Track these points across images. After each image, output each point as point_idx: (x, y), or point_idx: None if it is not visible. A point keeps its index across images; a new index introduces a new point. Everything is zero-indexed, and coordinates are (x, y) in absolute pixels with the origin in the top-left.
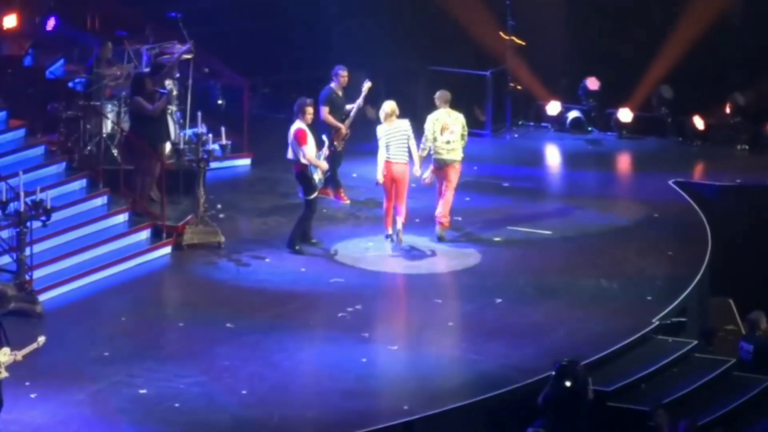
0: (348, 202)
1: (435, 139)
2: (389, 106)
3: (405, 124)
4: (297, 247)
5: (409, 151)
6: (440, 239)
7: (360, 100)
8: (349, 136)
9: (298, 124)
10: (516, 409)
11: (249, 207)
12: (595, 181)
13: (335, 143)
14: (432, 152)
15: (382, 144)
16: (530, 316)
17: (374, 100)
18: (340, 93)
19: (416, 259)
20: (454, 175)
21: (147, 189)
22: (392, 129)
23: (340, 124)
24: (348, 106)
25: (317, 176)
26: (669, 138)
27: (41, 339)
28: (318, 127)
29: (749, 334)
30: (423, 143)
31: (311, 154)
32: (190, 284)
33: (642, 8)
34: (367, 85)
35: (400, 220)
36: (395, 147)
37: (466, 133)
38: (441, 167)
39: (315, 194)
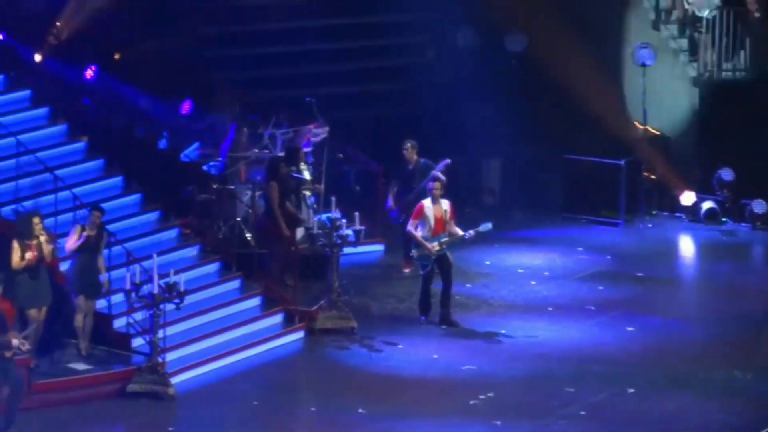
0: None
1: None
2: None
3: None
4: (423, 319)
5: None
6: None
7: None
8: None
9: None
10: None
11: (382, 293)
12: (729, 272)
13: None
14: None
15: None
16: (663, 405)
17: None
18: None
19: (548, 348)
20: None
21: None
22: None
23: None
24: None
25: (415, 252)
26: None
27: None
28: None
29: None
30: None
31: (411, 227)
32: (323, 369)
33: None
34: (445, 162)
35: None
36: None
37: None
38: None
39: (424, 271)
